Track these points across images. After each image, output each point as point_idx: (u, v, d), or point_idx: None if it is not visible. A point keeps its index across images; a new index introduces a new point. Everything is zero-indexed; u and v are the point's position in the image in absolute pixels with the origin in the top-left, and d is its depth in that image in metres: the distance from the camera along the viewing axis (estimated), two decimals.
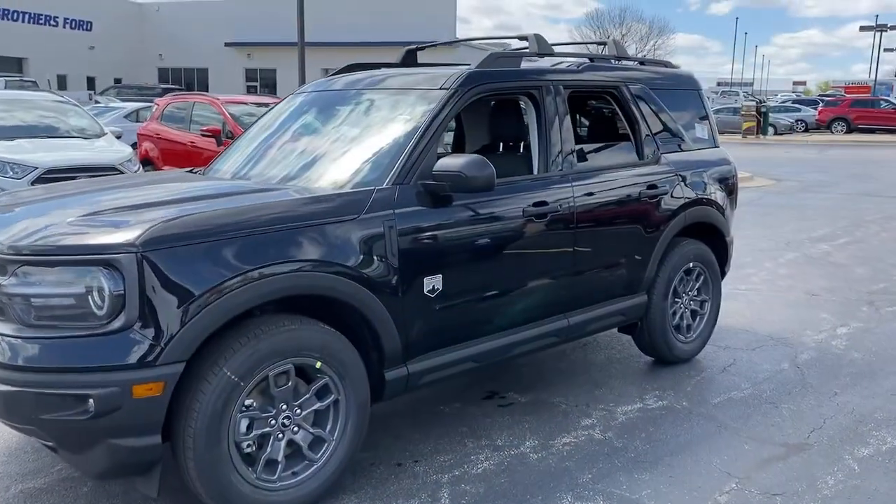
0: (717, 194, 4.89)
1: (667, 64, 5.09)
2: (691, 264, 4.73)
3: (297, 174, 3.53)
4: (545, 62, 4.35)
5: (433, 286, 3.30)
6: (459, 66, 3.86)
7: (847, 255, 8.37)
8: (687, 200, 4.60)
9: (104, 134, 9.24)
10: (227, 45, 43.84)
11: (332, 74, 4.44)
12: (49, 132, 8.80)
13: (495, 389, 4.30)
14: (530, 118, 4.00)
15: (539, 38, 4.15)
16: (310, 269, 2.89)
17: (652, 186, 4.38)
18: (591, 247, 4.04)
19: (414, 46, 4.83)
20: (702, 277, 4.87)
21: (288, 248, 2.85)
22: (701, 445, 3.64)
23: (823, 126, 34.93)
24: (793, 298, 6.48)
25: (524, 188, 3.75)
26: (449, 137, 5.46)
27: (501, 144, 4.46)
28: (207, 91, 40.84)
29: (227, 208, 2.91)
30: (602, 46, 4.83)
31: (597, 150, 4.38)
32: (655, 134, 4.57)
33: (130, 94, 31.62)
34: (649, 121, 4.55)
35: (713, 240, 4.94)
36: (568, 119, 4.05)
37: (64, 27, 43.19)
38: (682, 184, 4.60)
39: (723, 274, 5.09)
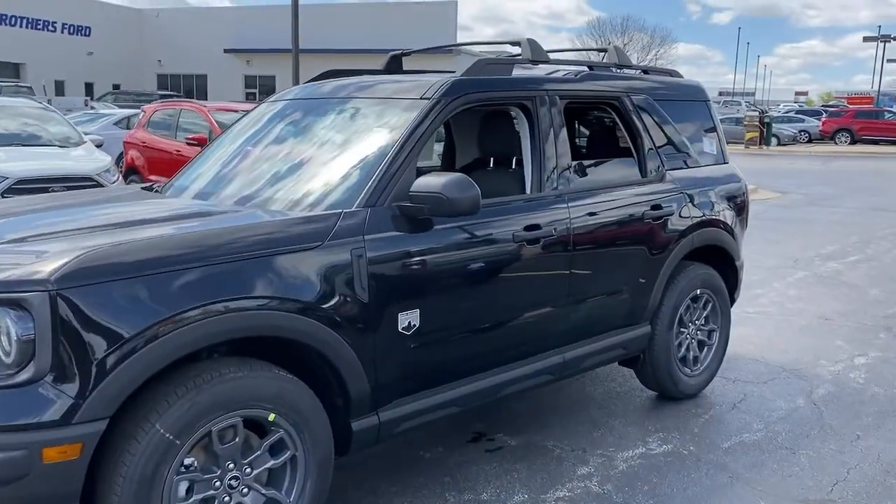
0: (727, 214, 4.50)
1: (672, 73, 4.71)
2: (698, 291, 4.34)
3: (257, 194, 3.14)
4: (540, 70, 3.97)
5: (409, 322, 2.90)
6: (444, 74, 3.48)
7: (859, 274, 7.97)
8: (694, 221, 4.21)
9: (83, 142, 8.86)
10: (226, 51, 43.53)
11: (308, 81, 4.06)
12: (25, 140, 8.42)
13: (483, 430, 3.90)
14: (523, 131, 3.61)
15: (533, 44, 3.77)
16: (262, 307, 2.50)
17: (656, 206, 3.99)
18: (589, 274, 3.65)
19: (398, 52, 4.44)
20: (710, 305, 4.47)
21: (235, 282, 2.46)
22: (711, 500, 3.24)
23: (827, 137, 34.58)
24: (804, 323, 6.08)
25: (515, 209, 3.36)
26: (443, 147, 5.10)
27: (492, 160, 4.07)
28: (207, 98, 40.67)
29: (165, 237, 2.51)
30: (602, 54, 4.45)
31: (596, 167, 3.99)
32: (660, 149, 4.18)
33: (128, 100, 31.29)
34: (653, 134, 4.16)
35: (722, 264, 4.55)
36: (564, 133, 3.66)
37: (62, 32, 42.94)
38: (689, 203, 4.21)
39: (732, 300, 4.70)
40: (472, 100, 3.33)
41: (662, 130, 4.23)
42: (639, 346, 4.06)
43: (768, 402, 4.39)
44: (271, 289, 2.52)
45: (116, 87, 40.68)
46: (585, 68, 4.07)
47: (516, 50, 3.88)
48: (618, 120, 4.12)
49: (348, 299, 2.71)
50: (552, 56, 4.00)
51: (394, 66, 4.40)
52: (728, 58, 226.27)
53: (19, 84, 32.67)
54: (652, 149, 4.13)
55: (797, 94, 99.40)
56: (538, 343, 3.49)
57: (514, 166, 3.87)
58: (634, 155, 4.10)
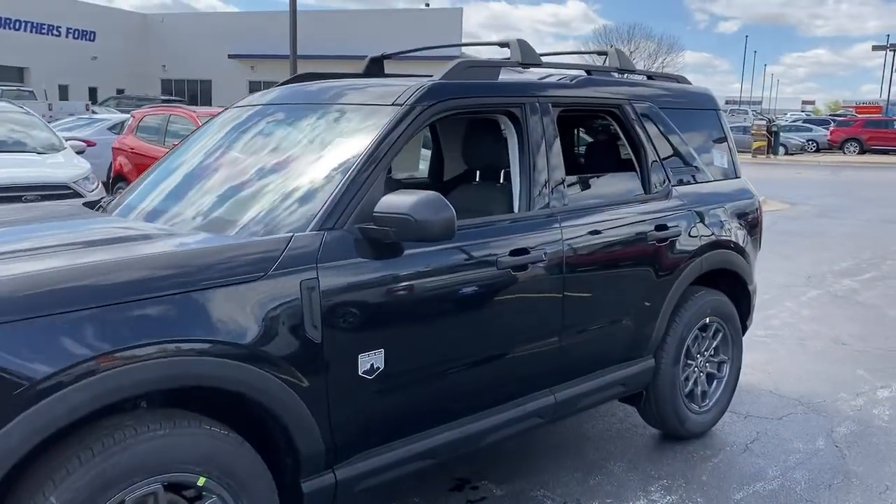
0: (739, 234, 4.09)
1: (679, 79, 4.30)
2: (708, 319, 3.93)
3: (203, 214, 2.74)
4: (532, 75, 3.57)
5: (371, 364, 2.50)
6: (421, 78, 3.08)
7: (876, 293, 7.53)
8: (703, 243, 3.79)
9: (63, 148, 8.50)
10: (230, 57, 43.30)
11: (280, 84, 3.67)
12: (0, 146, 8.05)
13: (466, 476, 3.48)
14: (511, 142, 3.21)
15: (523, 46, 3.37)
16: (186, 353, 2.09)
17: (661, 227, 3.58)
18: (585, 303, 3.25)
19: (380, 55, 4.05)
20: (720, 335, 4.05)
21: (158, 322, 2.06)
22: None
23: (835, 146, 34.07)
24: (820, 348, 5.65)
25: (500, 231, 2.95)
26: (430, 157, 4.70)
27: (478, 173, 3.67)
28: (211, 103, 40.40)
29: (75, 266, 2.11)
30: (603, 57, 4.05)
31: (593, 182, 3.58)
32: (665, 162, 3.78)
33: (130, 105, 31.01)
34: (658, 146, 3.75)
35: (733, 289, 4.14)
36: (558, 144, 3.26)
37: (67, 37, 42.81)
38: (698, 222, 3.80)
39: (744, 328, 4.28)
40: (452, 107, 2.93)
41: (668, 142, 3.83)
42: (641, 381, 3.64)
43: (784, 442, 3.96)
44: (200, 330, 2.12)
45: (121, 91, 40.47)
46: (583, 73, 3.67)
47: (506, 52, 3.48)
48: (619, 130, 3.71)
49: (296, 340, 2.30)
50: (547, 59, 3.61)
51: (374, 69, 4.02)
52: (735, 66, 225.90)
53: (21, 88, 32.48)
54: (656, 162, 3.72)
55: (804, 103, 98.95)
56: (526, 383, 3.08)
57: (501, 181, 3.47)
58: (637, 169, 3.69)
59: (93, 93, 41.51)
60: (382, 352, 2.52)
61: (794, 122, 40.91)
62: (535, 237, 3.02)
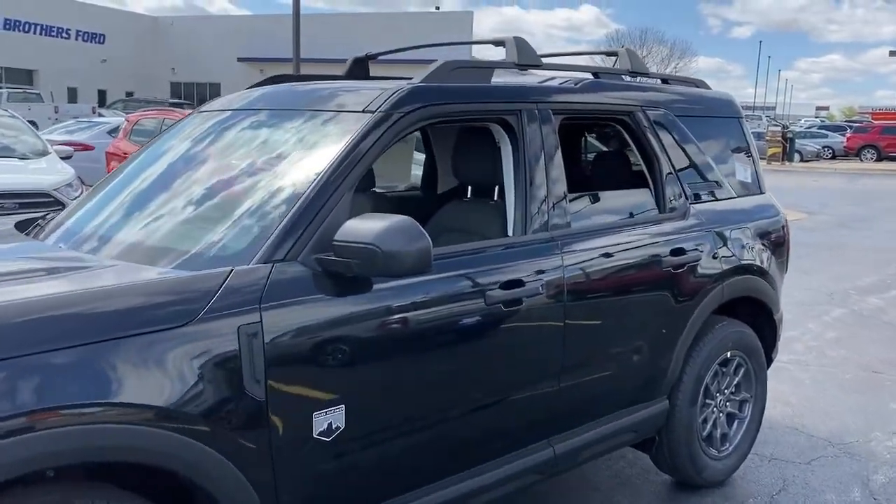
0: (764, 257, 3.65)
1: (698, 83, 3.86)
2: (729, 354, 3.48)
3: (134, 241, 2.31)
4: (531, 78, 3.16)
5: (329, 424, 2.08)
6: (400, 81, 2.66)
7: None
8: (724, 268, 3.36)
9: (48, 153, 8.14)
10: (239, 60, 43.08)
11: (250, 87, 3.26)
12: None
13: None
14: (505, 154, 2.79)
15: (521, 44, 2.94)
16: (92, 420, 1.68)
17: (677, 251, 3.14)
18: (588, 342, 2.82)
19: (364, 54, 3.64)
20: (742, 370, 3.61)
21: (54, 383, 1.65)
22: None
23: (852, 153, 33.44)
24: (849, 377, 5.19)
25: (489, 259, 2.53)
26: (423, 168, 4.29)
27: (469, 189, 3.25)
28: None
29: None
30: (612, 58, 3.61)
31: (600, 200, 3.15)
32: (682, 176, 3.34)
33: (139, 107, 30.81)
34: (674, 159, 3.32)
35: (758, 318, 3.69)
36: (559, 156, 2.84)
37: (76, 40, 42.76)
38: (719, 245, 3.36)
39: (769, 362, 3.84)
40: (435, 114, 2.52)
41: (685, 153, 3.39)
42: (654, 426, 3.21)
43: (815, 493, 3.51)
44: (104, 391, 1.71)
45: (130, 94, 40.35)
46: (589, 75, 3.25)
47: (501, 53, 3.06)
48: (629, 140, 3.28)
49: (233, 398, 1.89)
50: (550, 61, 3.19)
51: (357, 71, 3.61)
52: (748, 71, 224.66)
53: (27, 90, 32.36)
54: (672, 176, 3.29)
55: (818, 108, 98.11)
56: (520, 435, 2.66)
57: (495, 198, 3.05)
58: (650, 185, 3.26)
59: (102, 95, 41.39)
60: (343, 408, 2.10)
61: (809, 128, 40.29)
62: (531, 266, 2.60)
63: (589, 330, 2.80)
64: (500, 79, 2.87)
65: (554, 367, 2.69)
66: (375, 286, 2.18)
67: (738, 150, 3.79)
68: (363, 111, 2.42)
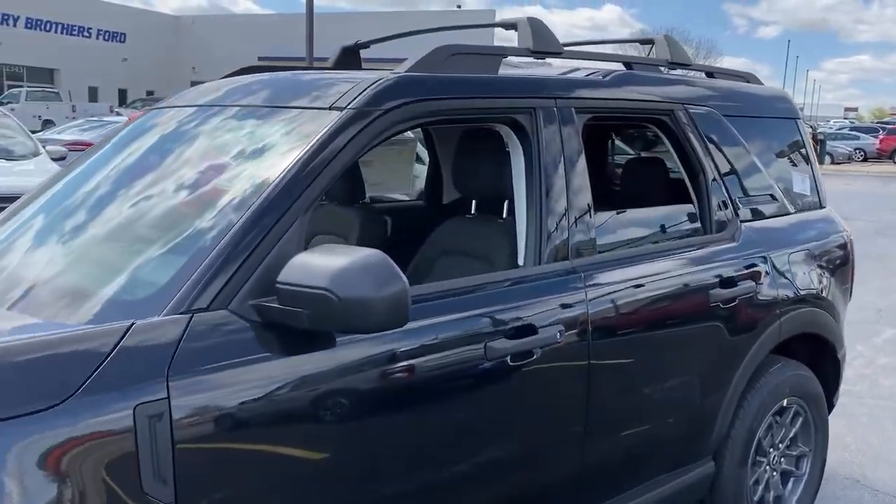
0: (827, 284, 3.06)
1: (748, 77, 3.27)
2: (785, 402, 2.90)
3: (21, 282, 1.78)
4: (550, 69, 2.60)
5: None
6: (383, 73, 2.11)
7: None
8: (782, 301, 2.78)
9: (38, 154, 7.69)
10: (260, 59, 42.82)
11: (221, 78, 2.72)
12: None
13: None
14: (515, 162, 2.24)
15: (536, 26, 2.38)
16: None
17: (727, 282, 2.56)
18: (618, 400, 2.26)
19: (353, 43, 3.10)
20: (800, 419, 3.02)
21: None
22: None
23: (885, 156, 32.43)
24: None
25: (492, 300, 1.97)
26: (427, 174, 3.75)
27: (473, 203, 2.69)
28: None
29: None
30: (648, 47, 3.04)
31: (633, 220, 2.59)
32: (731, 189, 2.77)
33: None
34: (721, 168, 2.75)
35: (819, 357, 3.11)
36: (583, 165, 2.28)
37: (97, 38, 42.78)
38: (775, 273, 2.78)
39: (830, 407, 3.25)
40: (425, 111, 1.97)
41: (735, 161, 2.81)
42: (696, 493, 2.63)
43: None
44: None
45: (150, 93, 40.23)
46: (620, 66, 2.68)
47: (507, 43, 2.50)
48: (669, 145, 2.71)
49: None
50: (571, 49, 2.63)
51: (346, 62, 3.06)
52: (774, 72, 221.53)
53: (46, 89, 32.32)
54: (719, 189, 2.72)
55: (846, 109, 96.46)
56: None
57: (504, 215, 2.49)
58: (693, 199, 2.69)
59: (123, 95, 41.35)
60: None
61: (839, 129, 39.23)
62: (546, 306, 2.04)
63: (619, 385, 2.23)
64: (509, 70, 2.32)
65: (575, 433, 2.13)
66: (339, 340, 1.64)
67: (795, 156, 3.20)
68: (330, 108, 1.87)
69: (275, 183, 1.68)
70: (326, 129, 1.79)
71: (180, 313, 1.49)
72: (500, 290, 2.00)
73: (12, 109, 27.65)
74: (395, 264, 1.54)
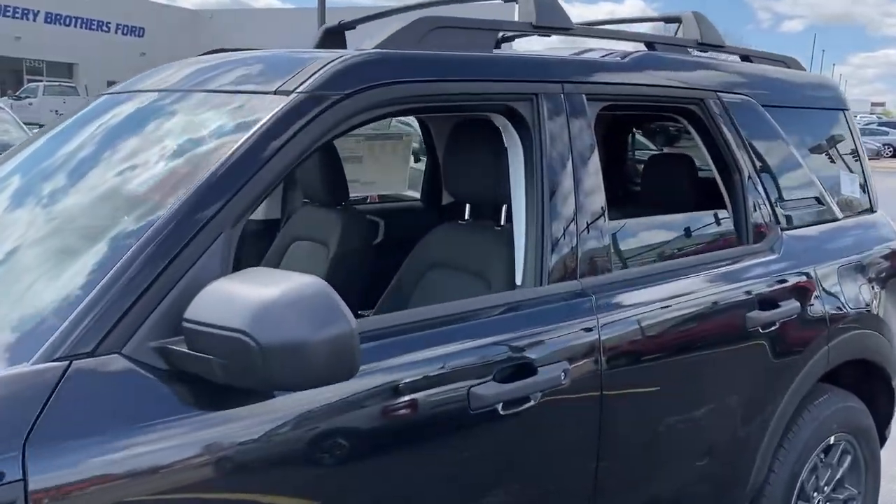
0: (881, 301, 2.64)
1: (789, 62, 2.86)
2: (833, 438, 2.49)
3: None
4: (559, 49, 2.21)
5: None
6: (348, 50, 1.73)
7: None
8: (831, 322, 2.36)
9: None
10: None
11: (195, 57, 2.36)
12: None
13: None
14: (513, 161, 1.85)
15: None
16: None
17: (767, 302, 2.16)
18: (635, 449, 1.87)
19: (337, 22, 2.72)
20: (848, 458, 2.61)
21: None
22: None
23: None
24: None
25: (478, 332, 1.59)
26: (424, 173, 3.39)
27: (468, 207, 2.30)
28: None
29: None
30: (675, 26, 2.63)
31: (654, 229, 2.19)
32: (770, 191, 2.36)
33: None
34: (759, 166, 2.34)
35: (870, 385, 2.69)
36: (595, 164, 1.90)
37: (116, 33, 42.86)
38: (822, 290, 2.37)
39: (882, 440, 2.82)
40: (396, 97, 1.59)
41: (776, 159, 2.41)
42: None
43: None
44: None
45: None
46: (641, 46, 2.28)
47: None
48: (698, 139, 2.30)
49: None
50: (582, 26, 2.24)
51: (330, 44, 2.68)
52: None
53: (63, 83, 32.36)
54: (758, 191, 2.31)
55: (873, 104, 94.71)
56: None
57: (502, 222, 2.10)
58: (727, 204, 2.29)
59: None
60: None
61: (867, 124, 38.32)
62: (548, 338, 1.65)
63: (637, 436, 1.84)
64: (505, 51, 1.93)
65: (583, 489, 1.75)
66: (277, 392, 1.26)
67: (842, 153, 2.79)
68: (276, 92, 1.50)
69: (193, 189, 1.30)
70: (267, 118, 1.42)
71: (54, 360, 1.12)
72: (490, 320, 1.62)
73: (30, 104, 27.66)
74: (338, 297, 1.16)
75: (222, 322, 1.12)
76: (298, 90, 1.47)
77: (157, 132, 1.62)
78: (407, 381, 1.40)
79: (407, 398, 1.40)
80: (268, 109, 1.44)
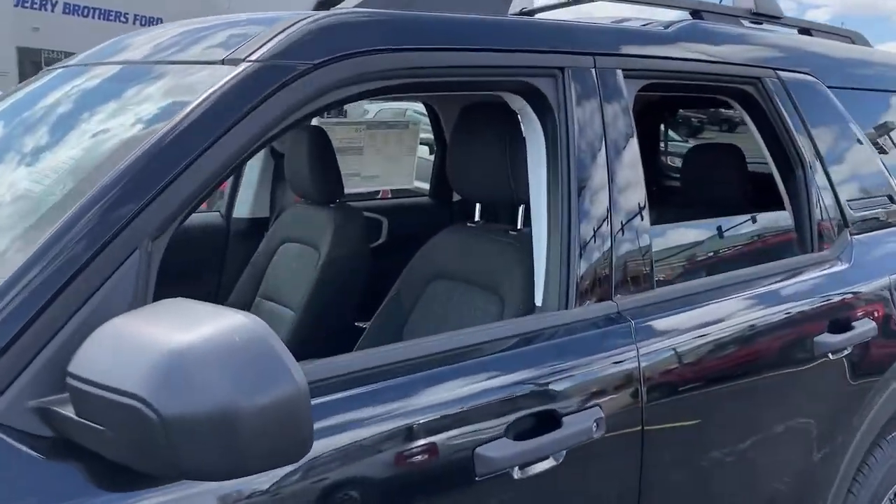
0: None
1: (854, 37, 2.47)
2: None
3: None
4: (589, 17, 1.86)
5: None
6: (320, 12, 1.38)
7: None
8: None
9: None
10: None
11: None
12: None
13: None
14: (533, 151, 1.49)
15: None
16: None
17: (839, 324, 1.79)
18: (681, 494, 1.52)
19: None
20: None
21: None
22: None
23: None
24: None
25: (484, 370, 1.24)
26: (434, 165, 3.07)
27: (478, 207, 1.95)
28: None
29: None
30: None
31: (702, 235, 1.83)
32: (838, 189, 1.99)
33: None
34: (826, 159, 1.97)
35: None
36: (634, 152, 1.54)
37: (134, 23, 42.77)
38: None
39: None
40: (380, 70, 1.24)
41: (845, 151, 2.04)
42: None
43: None
44: None
45: None
46: (686, 15, 1.91)
47: None
48: (752, 126, 1.93)
49: None
50: None
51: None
52: None
53: None
54: (825, 188, 1.94)
55: None
56: None
57: (518, 227, 1.74)
58: (787, 203, 1.92)
59: None
60: None
61: None
62: (576, 377, 1.30)
63: (686, 481, 1.49)
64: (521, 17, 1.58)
65: None
66: None
67: None
68: (223, 62, 1.16)
69: (97, 189, 0.96)
70: (207, 95, 1.07)
71: None
72: (500, 356, 1.26)
73: None
74: (281, 345, 0.82)
75: (111, 381, 0.78)
76: (251, 58, 1.13)
77: (82, 115, 1.29)
78: (386, 442, 1.06)
79: (388, 465, 1.06)
80: (209, 83, 1.10)
